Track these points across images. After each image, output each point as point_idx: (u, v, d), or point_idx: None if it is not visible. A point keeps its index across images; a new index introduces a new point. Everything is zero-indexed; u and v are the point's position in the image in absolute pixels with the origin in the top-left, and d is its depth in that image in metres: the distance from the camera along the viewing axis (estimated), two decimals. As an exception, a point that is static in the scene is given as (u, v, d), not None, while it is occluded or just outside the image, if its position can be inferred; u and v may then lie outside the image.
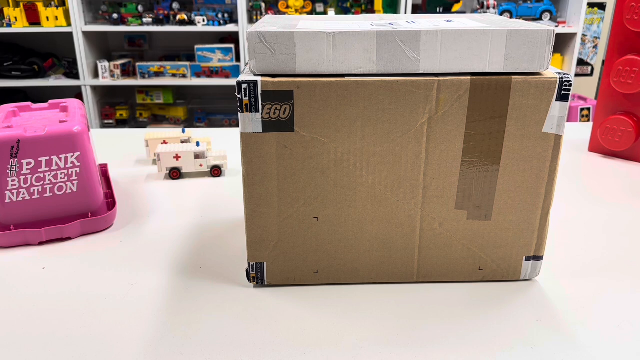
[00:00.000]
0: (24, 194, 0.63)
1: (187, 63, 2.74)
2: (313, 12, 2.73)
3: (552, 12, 2.72)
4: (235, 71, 2.73)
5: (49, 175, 0.63)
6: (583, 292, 0.55)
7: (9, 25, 2.55)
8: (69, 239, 0.66)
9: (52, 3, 2.57)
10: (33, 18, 2.56)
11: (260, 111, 0.48)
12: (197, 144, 0.86)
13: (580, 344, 0.47)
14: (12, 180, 0.62)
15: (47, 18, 2.55)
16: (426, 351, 0.46)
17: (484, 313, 0.51)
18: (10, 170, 0.62)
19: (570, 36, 2.73)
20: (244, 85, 0.47)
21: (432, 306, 0.52)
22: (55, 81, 2.71)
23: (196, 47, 2.72)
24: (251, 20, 2.66)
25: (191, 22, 2.64)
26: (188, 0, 2.80)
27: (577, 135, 1.08)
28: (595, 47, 3.06)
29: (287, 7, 2.69)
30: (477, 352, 0.46)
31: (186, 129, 0.95)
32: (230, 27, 2.63)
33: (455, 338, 0.48)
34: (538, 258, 0.55)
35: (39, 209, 0.64)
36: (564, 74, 0.48)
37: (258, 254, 0.54)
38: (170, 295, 0.54)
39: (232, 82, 2.71)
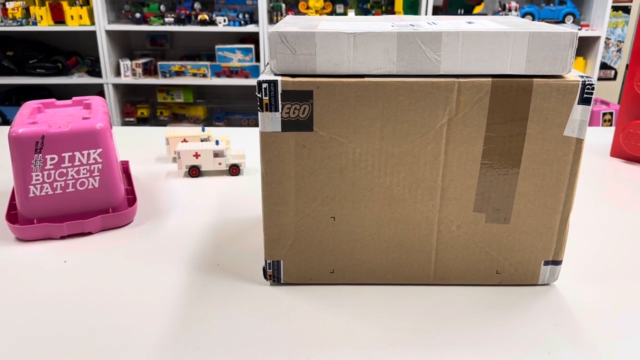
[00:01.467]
0: (47, 188, 0.64)
1: (208, 63, 2.76)
2: (333, 13, 2.73)
3: (575, 15, 2.68)
4: (255, 71, 2.74)
5: (71, 170, 0.65)
6: (602, 298, 0.54)
7: (35, 24, 2.60)
8: (89, 233, 0.67)
9: (77, 2, 2.61)
10: (58, 17, 2.60)
11: (280, 110, 0.48)
12: (217, 142, 0.86)
13: (598, 350, 0.47)
14: (36, 175, 0.63)
15: (72, 17, 2.59)
16: (441, 354, 0.46)
17: (501, 317, 0.51)
18: (35, 165, 0.63)
19: (594, 39, 2.69)
20: (264, 85, 0.47)
21: (448, 309, 0.52)
22: (78, 79, 2.75)
23: (217, 47, 2.74)
24: (271, 21, 2.67)
25: (212, 22, 2.66)
26: (209, 1, 2.82)
27: (599, 139, 1.07)
28: (619, 50, 3.02)
29: (308, 8, 2.69)
30: (493, 356, 0.46)
31: (206, 128, 0.96)
32: (250, 28, 2.65)
33: (470, 341, 0.48)
34: (557, 262, 0.54)
35: (61, 203, 0.66)
36: (587, 77, 0.47)
37: (275, 252, 0.54)
38: (188, 291, 0.55)
39: (251, 82, 2.72)
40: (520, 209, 0.52)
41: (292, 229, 0.53)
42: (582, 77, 0.47)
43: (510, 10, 2.70)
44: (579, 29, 2.66)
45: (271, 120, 0.48)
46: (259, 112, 0.48)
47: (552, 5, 2.72)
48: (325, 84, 0.47)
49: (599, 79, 3.01)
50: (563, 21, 2.69)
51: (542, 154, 0.50)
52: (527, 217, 0.52)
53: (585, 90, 0.47)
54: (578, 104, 0.48)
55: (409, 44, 0.46)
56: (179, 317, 0.51)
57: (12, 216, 0.68)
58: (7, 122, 2.70)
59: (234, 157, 0.87)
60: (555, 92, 0.47)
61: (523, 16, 2.66)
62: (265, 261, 0.55)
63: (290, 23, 0.51)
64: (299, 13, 2.71)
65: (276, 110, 0.48)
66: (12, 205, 0.69)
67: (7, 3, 2.58)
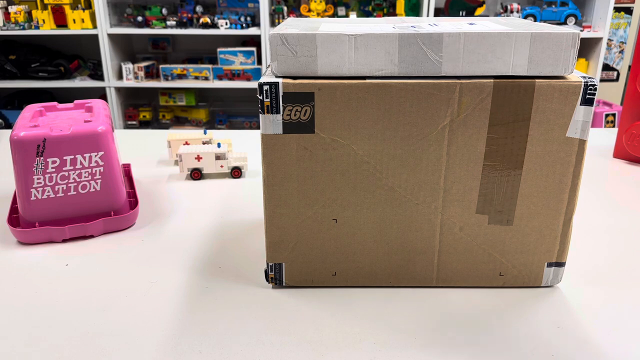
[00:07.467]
0: (48, 192, 0.64)
1: (210, 66, 2.76)
2: (335, 15, 2.73)
3: (577, 16, 2.68)
4: (257, 74, 2.74)
5: (73, 173, 0.65)
6: (606, 299, 0.54)
7: (37, 28, 2.61)
8: (91, 236, 0.67)
9: (79, 6, 2.62)
10: (60, 20, 2.61)
11: (281, 112, 0.48)
12: (218, 145, 0.86)
13: (602, 352, 0.46)
14: (38, 179, 0.63)
15: (74, 20, 2.60)
16: (443, 357, 0.46)
17: (504, 319, 0.51)
18: (36, 169, 0.63)
19: (596, 41, 2.68)
20: (265, 87, 0.47)
21: (451, 311, 0.52)
22: (80, 82, 2.75)
23: (218, 50, 2.74)
24: (273, 24, 2.67)
25: (214, 25, 2.67)
26: (211, 4, 2.83)
27: (602, 141, 1.07)
28: (621, 52, 3.01)
29: (309, 10, 2.69)
30: (496, 358, 0.46)
31: (208, 131, 0.96)
32: (252, 31, 2.65)
33: (474, 343, 0.48)
34: (560, 264, 0.54)
35: (63, 206, 0.66)
36: (589, 77, 0.47)
37: (277, 255, 0.54)
38: (189, 294, 0.55)
39: (253, 84, 2.72)
40: (523, 211, 0.52)
41: (294, 231, 0.53)
42: (584, 77, 0.47)
43: (512, 11, 2.70)
44: (581, 30, 2.65)
45: (272, 123, 0.48)
46: (260, 115, 0.48)
47: (554, 6, 2.72)
48: (326, 86, 0.47)
49: (602, 80, 3.01)
50: (565, 22, 2.69)
51: (545, 155, 0.49)
52: (530, 219, 0.52)
53: (588, 91, 0.47)
54: (580, 104, 0.47)
55: (410, 46, 0.46)
56: (180, 319, 0.51)
57: (14, 219, 0.68)
58: (9, 125, 2.71)
59: (236, 160, 0.87)
60: (557, 93, 0.47)
61: (525, 18, 2.66)
62: (267, 264, 0.55)
63: (291, 25, 0.51)
64: (300, 16, 2.71)
65: (277, 112, 0.48)
66: (14, 209, 0.69)
67: (9, 7, 2.58)
